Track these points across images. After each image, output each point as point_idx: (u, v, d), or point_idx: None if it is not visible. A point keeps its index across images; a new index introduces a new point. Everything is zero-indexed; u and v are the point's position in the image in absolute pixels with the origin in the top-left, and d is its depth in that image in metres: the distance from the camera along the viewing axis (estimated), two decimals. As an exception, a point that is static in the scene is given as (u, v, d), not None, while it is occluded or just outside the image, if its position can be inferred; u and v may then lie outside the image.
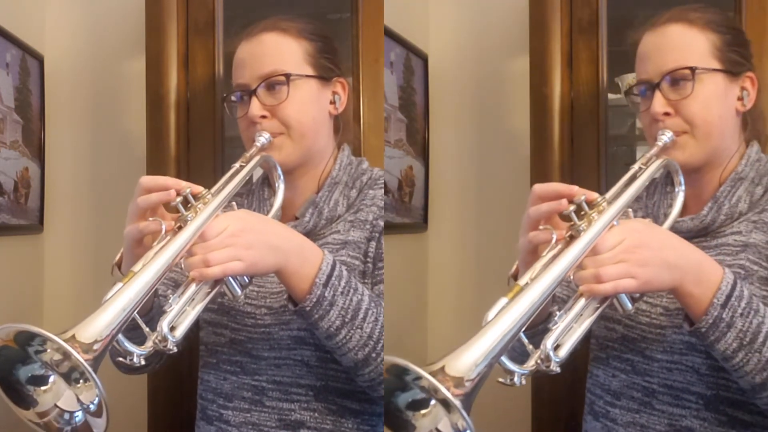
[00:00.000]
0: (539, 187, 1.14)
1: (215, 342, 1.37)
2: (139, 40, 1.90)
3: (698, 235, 1.26)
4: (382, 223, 1.36)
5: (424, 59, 2.13)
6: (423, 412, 0.99)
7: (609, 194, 1.16)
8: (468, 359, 0.95)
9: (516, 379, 1.01)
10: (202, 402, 1.40)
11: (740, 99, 1.28)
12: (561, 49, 1.88)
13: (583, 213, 1.10)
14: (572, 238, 1.08)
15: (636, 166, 1.22)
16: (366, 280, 1.33)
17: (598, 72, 1.87)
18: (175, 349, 1.10)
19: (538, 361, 1.02)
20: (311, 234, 1.35)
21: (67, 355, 0.96)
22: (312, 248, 1.21)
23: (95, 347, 0.96)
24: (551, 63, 1.88)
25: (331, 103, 1.39)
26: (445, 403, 0.95)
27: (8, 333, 0.96)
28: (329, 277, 1.19)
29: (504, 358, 1.00)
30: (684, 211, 1.29)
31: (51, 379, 1.00)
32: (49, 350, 0.98)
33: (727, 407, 1.21)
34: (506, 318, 0.99)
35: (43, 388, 1.00)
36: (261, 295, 1.33)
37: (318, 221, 1.35)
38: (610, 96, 1.93)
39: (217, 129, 1.90)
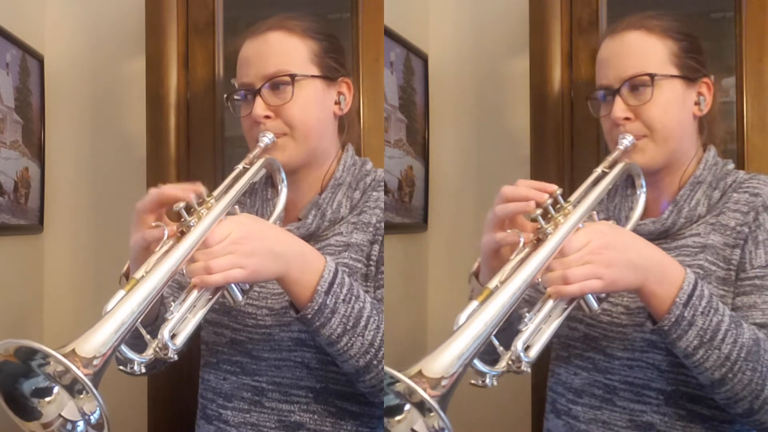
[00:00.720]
0: (508, 189, 1.18)
1: (216, 342, 1.37)
2: (139, 40, 1.90)
3: (659, 237, 1.30)
4: (383, 226, 1.36)
5: (424, 59, 2.13)
6: (398, 418, 1.01)
7: (573, 197, 1.20)
8: (443, 362, 0.97)
9: (488, 380, 1.04)
10: (202, 401, 1.40)
11: (697, 104, 1.33)
12: (561, 49, 1.89)
13: (549, 216, 1.14)
14: (539, 241, 1.12)
15: (599, 170, 1.26)
16: (368, 284, 1.32)
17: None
18: (176, 357, 1.10)
19: (509, 362, 1.05)
20: (314, 235, 1.35)
21: (68, 369, 0.95)
22: (314, 255, 1.20)
23: (95, 362, 0.96)
24: (551, 63, 1.89)
25: (336, 103, 1.38)
26: (422, 406, 0.97)
27: (7, 348, 0.96)
28: (331, 284, 1.18)
29: (476, 360, 1.02)
30: (644, 214, 1.32)
31: (55, 390, 0.99)
32: (51, 362, 0.97)
33: (687, 402, 1.26)
34: (478, 321, 1.02)
35: (47, 399, 1.00)
36: (262, 296, 1.33)
37: (321, 223, 1.35)
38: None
39: (217, 129, 1.90)
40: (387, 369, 0.97)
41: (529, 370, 1.05)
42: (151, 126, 1.90)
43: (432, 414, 0.95)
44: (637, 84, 1.29)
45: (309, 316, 1.18)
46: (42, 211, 2.05)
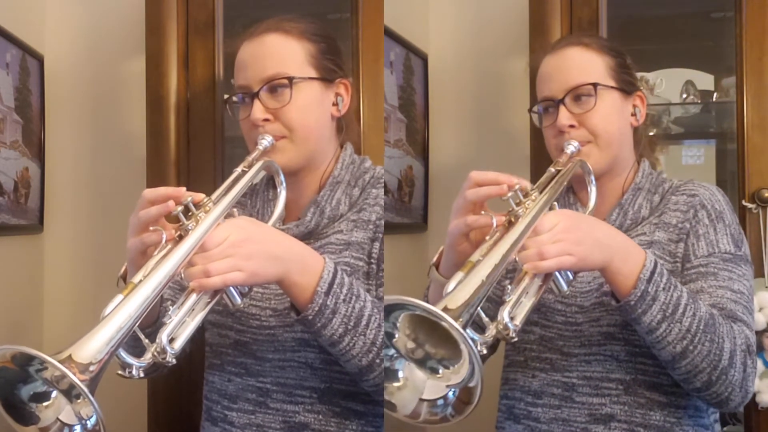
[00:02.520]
0: (476, 174, 1.21)
1: (220, 343, 1.37)
2: (139, 40, 1.90)
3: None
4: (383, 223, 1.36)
5: (424, 59, 2.14)
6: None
7: (537, 185, 1.25)
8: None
9: (479, 347, 1.06)
10: (207, 403, 1.40)
11: (633, 115, 1.43)
12: (561, 49, 1.88)
13: (518, 201, 1.18)
14: (511, 223, 1.16)
15: (553, 169, 1.32)
16: (370, 282, 1.32)
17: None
18: (174, 362, 1.09)
19: (498, 329, 1.09)
20: (313, 233, 1.35)
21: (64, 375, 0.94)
22: (313, 256, 1.20)
23: (91, 368, 0.95)
24: (551, 63, 1.88)
25: (334, 104, 1.38)
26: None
27: (4, 355, 0.95)
28: (331, 285, 1.18)
29: (469, 330, 1.04)
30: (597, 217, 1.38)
31: (53, 394, 0.99)
32: (49, 368, 0.96)
33: (645, 390, 1.33)
34: (465, 289, 1.05)
35: (45, 404, 0.99)
36: (266, 297, 1.32)
37: (320, 220, 1.35)
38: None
39: (217, 129, 1.90)
40: None
41: (516, 337, 1.09)
42: (151, 126, 1.90)
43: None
44: (581, 94, 1.37)
45: (310, 317, 1.18)
46: (42, 211, 2.05)
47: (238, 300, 1.17)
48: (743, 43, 1.80)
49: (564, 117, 1.37)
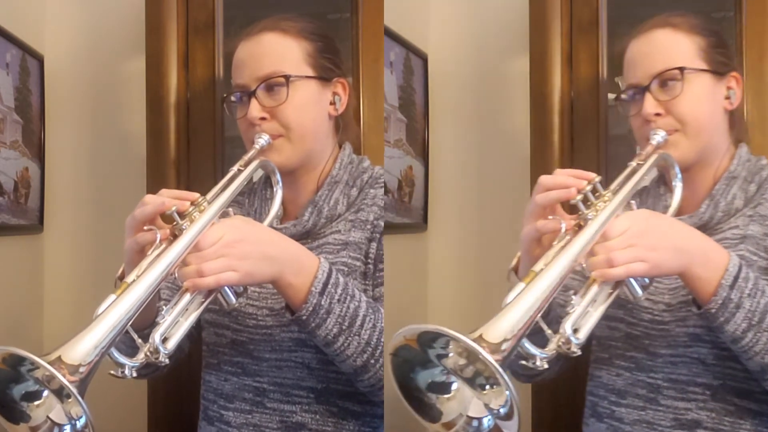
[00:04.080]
0: (546, 178, 1.17)
1: (217, 342, 1.37)
2: (139, 40, 1.90)
3: None
4: (382, 224, 1.35)
5: (424, 59, 2.13)
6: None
7: (612, 187, 1.19)
8: (501, 328, 0.96)
9: (538, 362, 1.04)
10: (203, 402, 1.40)
11: (727, 98, 1.33)
12: (561, 49, 1.89)
13: (589, 203, 1.14)
14: (581, 227, 1.11)
15: (634, 163, 1.25)
16: (367, 282, 1.32)
17: (598, 72, 1.88)
18: (168, 362, 1.09)
19: (560, 344, 1.05)
20: (311, 233, 1.35)
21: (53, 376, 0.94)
22: (308, 256, 1.20)
23: (81, 369, 0.95)
24: (551, 63, 1.89)
25: (331, 103, 1.38)
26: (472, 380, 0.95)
27: None
28: (325, 285, 1.18)
29: (525, 342, 1.02)
30: (679, 211, 1.31)
31: (44, 393, 0.99)
32: (40, 367, 0.96)
33: (735, 397, 1.24)
34: (524, 301, 1.01)
35: (36, 403, 0.99)
36: (263, 296, 1.32)
37: (317, 220, 1.35)
38: (610, 96, 1.93)
39: (217, 129, 1.90)
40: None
41: (579, 351, 1.05)
42: (151, 126, 1.90)
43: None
44: (667, 79, 1.28)
45: (304, 317, 1.18)
46: (42, 211, 2.05)
47: (233, 300, 1.17)
48: (743, 43, 1.80)
49: (649, 105, 1.28)
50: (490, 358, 0.92)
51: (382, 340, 1.23)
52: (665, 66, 1.28)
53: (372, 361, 1.22)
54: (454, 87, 2.15)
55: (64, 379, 0.92)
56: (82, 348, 0.97)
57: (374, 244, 1.33)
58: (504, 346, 0.95)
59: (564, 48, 1.89)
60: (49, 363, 0.93)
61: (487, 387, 0.97)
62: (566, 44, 1.89)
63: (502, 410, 0.98)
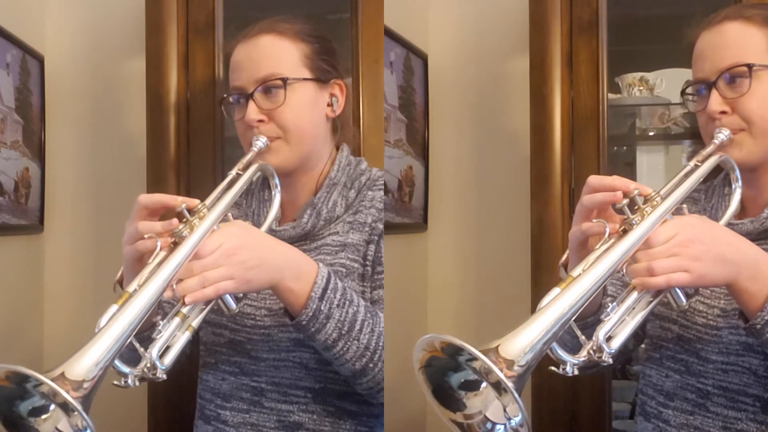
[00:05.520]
0: (594, 179, 1.13)
1: (214, 342, 1.37)
2: (139, 40, 1.90)
3: (758, 237, 1.22)
4: (381, 226, 1.35)
5: (424, 59, 2.13)
6: (475, 392, 0.99)
7: (663, 190, 1.15)
8: (521, 343, 0.95)
9: (569, 368, 1.02)
10: (200, 401, 1.40)
11: None
12: (561, 49, 1.88)
13: (636, 207, 1.10)
14: (625, 232, 1.08)
15: (691, 164, 1.20)
16: (365, 284, 1.33)
17: (598, 72, 1.87)
18: (165, 377, 1.09)
19: (591, 352, 1.03)
20: (309, 235, 1.35)
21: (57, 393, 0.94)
22: (307, 262, 1.20)
23: (85, 385, 0.95)
24: (551, 63, 1.88)
25: (328, 105, 1.39)
26: (498, 386, 0.95)
27: None
28: (324, 290, 1.18)
29: (556, 347, 1.00)
30: (742, 214, 1.27)
31: (51, 407, 0.98)
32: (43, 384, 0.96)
33: None
34: (557, 306, 0.99)
35: (44, 416, 0.99)
36: (261, 297, 1.33)
37: (316, 222, 1.35)
38: (610, 96, 1.93)
39: (217, 129, 1.90)
40: (465, 345, 0.93)
41: (611, 360, 1.02)
42: (151, 126, 1.90)
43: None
44: (735, 75, 1.21)
45: (304, 322, 1.18)
46: (42, 211, 2.05)
47: (234, 305, 1.17)
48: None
49: (715, 102, 1.22)
50: (502, 375, 0.91)
51: (381, 343, 1.23)
52: (733, 61, 1.21)
53: (371, 365, 1.22)
54: (454, 87, 2.15)
55: (69, 396, 0.91)
56: (86, 363, 0.96)
57: (372, 246, 1.33)
58: (521, 362, 0.93)
59: (564, 48, 1.88)
60: (52, 380, 0.92)
61: (507, 393, 0.94)
62: (566, 44, 1.89)
63: (515, 420, 0.96)
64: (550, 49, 1.88)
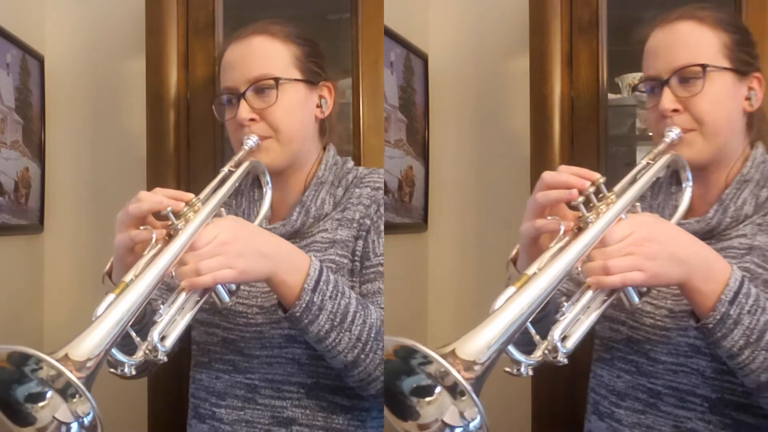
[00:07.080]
0: (549, 175, 1.13)
1: (207, 341, 1.38)
2: (139, 40, 1.90)
3: (703, 237, 1.23)
4: (368, 222, 1.37)
5: (424, 59, 2.13)
6: (428, 399, 0.99)
7: (617, 188, 1.15)
8: (479, 343, 0.95)
9: (523, 369, 1.02)
10: (193, 401, 1.41)
11: (748, 99, 1.28)
12: (561, 49, 1.88)
13: (591, 205, 1.10)
14: (580, 230, 1.08)
15: (643, 162, 1.22)
16: (354, 279, 1.34)
17: (598, 72, 1.87)
18: (166, 359, 1.10)
19: (546, 352, 1.03)
20: (299, 232, 1.37)
21: (61, 373, 0.96)
22: (299, 254, 1.22)
23: (88, 365, 0.97)
24: (551, 63, 1.88)
25: (317, 106, 1.41)
26: (454, 389, 0.94)
27: (0, 354, 0.96)
28: (317, 282, 1.20)
29: (511, 348, 1.00)
30: (688, 213, 1.28)
31: (48, 394, 1.00)
32: (44, 367, 0.98)
33: (732, 410, 1.21)
34: (514, 306, 0.99)
35: (41, 404, 1.00)
36: (252, 295, 1.34)
37: (305, 220, 1.37)
38: (610, 96, 1.93)
39: (217, 129, 1.90)
40: (419, 346, 0.93)
41: (566, 360, 1.02)
42: (151, 126, 1.90)
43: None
44: (687, 75, 1.23)
45: (297, 314, 1.19)
46: (42, 211, 2.05)
47: (227, 298, 1.19)
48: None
49: (667, 100, 1.23)
50: (460, 378, 0.90)
51: (373, 336, 1.24)
52: (687, 61, 1.23)
53: (362, 356, 1.23)
54: (454, 87, 2.15)
55: (72, 376, 0.93)
56: (89, 344, 0.98)
57: (360, 242, 1.35)
58: (480, 360, 0.93)
59: (564, 48, 1.88)
60: (56, 360, 0.93)
61: (464, 396, 0.93)
62: (566, 44, 1.89)
63: (473, 423, 0.95)
64: (550, 49, 1.88)
